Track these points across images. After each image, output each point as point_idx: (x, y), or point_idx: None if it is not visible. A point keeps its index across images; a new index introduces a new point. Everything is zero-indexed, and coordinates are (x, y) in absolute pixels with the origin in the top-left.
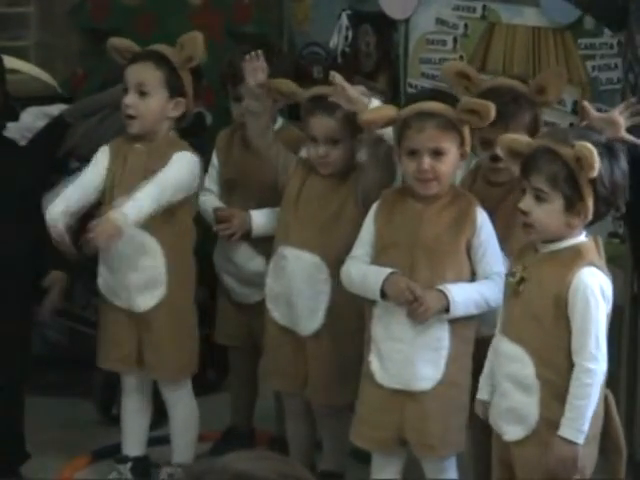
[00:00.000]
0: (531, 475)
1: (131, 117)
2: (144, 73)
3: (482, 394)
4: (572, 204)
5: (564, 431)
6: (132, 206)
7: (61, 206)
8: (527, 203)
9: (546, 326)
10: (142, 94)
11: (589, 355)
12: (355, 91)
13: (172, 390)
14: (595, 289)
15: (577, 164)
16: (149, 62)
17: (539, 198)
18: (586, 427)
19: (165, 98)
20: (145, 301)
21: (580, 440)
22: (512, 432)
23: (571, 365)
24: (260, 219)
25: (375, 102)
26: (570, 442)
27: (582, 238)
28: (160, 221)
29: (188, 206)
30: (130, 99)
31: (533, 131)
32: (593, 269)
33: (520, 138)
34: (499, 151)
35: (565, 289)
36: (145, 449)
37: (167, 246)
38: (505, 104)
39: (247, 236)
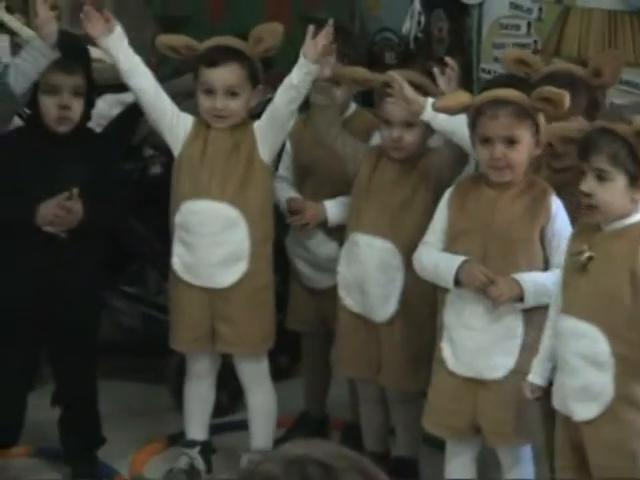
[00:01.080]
0: (606, 454)
1: (222, 117)
2: (232, 76)
3: (536, 378)
4: (635, 179)
5: None
6: None
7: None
8: (589, 185)
9: (622, 302)
10: (232, 95)
11: None
12: (412, 91)
13: (250, 369)
14: None
15: (637, 139)
16: (234, 64)
17: (601, 178)
18: None
19: (249, 91)
20: (227, 277)
21: None
22: (584, 411)
23: None
24: (335, 209)
25: (431, 101)
26: None
27: None
28: (244, 195)
29: (270, 180)
30: (221, 103)
31: (592, 114)
32: None
33: (568, 125)
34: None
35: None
36: (207, 434)
37: (250, 220)
38: (562, 88)
39: (322, 224)
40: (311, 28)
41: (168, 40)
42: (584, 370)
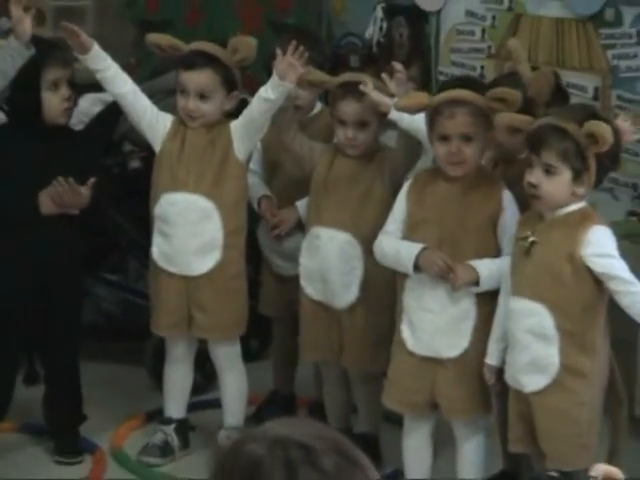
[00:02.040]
0: (552, 421)
1: (193, 117)
2: (205, 80)
3: (492, 359)
4: (579, 175)
5: None
6: None
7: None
8: (537, 176)
9: (563, 280)
10: (203, 97)
11: (630, 284)
12: (378, 94)
13: (224, 352)
14: (610, 242)
15: (588, 140)
16: (208, 69)
17: (549, 172)
18: None
19: (223, 96)
20: (202, 265)
21: None
22: (533, 382)
23: (587, 315)
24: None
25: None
26: None
27: (584, 203)
28: (218, 189)
29: (244, 176)
30: (193, 104)
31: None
32: (604, 226)
33: (517, 115)
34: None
35: (580, 247)
36: (185, 412)
37: (224, 212)
38: None
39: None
40: (279, 52)
41: (156, 39)
42: (533, 344)
